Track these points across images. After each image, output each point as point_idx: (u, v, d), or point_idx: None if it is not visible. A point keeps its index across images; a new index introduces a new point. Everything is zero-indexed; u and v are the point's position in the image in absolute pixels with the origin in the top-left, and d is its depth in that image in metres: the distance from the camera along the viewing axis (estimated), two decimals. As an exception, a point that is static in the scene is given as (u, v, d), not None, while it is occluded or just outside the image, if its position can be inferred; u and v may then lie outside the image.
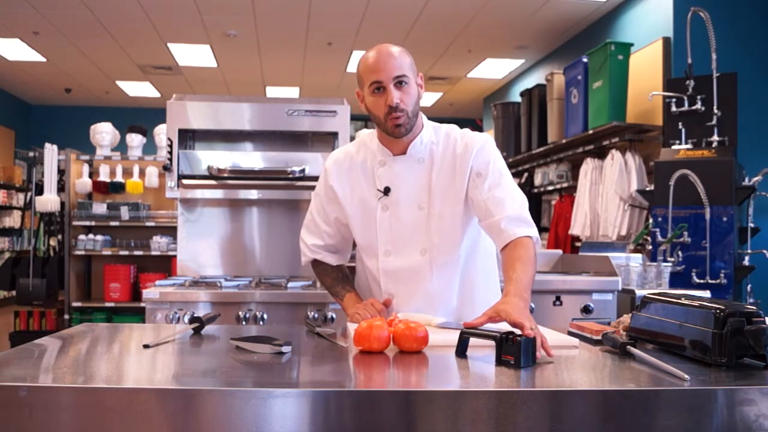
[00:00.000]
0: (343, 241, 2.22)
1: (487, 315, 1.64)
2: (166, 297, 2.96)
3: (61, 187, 5.90)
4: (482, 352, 1.55)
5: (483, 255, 2.15)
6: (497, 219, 1.94)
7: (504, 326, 1.63)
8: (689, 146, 4.59)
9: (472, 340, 1.54)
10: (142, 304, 3.04)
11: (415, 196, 2.05)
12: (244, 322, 2.98)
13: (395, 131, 1.98)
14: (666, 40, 5.76)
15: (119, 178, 5.96)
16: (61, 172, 5.93)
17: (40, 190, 5.91)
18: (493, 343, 1.47)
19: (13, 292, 6.12)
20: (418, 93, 2.00)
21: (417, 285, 2.05)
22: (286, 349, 1.54)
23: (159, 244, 5.85)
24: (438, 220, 2.03)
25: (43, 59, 9.36)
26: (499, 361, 1.43)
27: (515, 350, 1.41)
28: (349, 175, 2.12)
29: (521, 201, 2.01)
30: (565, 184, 7.05)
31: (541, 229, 7.74)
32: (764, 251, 4.38)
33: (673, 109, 4.81)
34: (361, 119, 12.28)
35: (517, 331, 1.48)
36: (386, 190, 2.05)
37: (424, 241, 2.04)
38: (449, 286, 2.06)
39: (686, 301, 1.56)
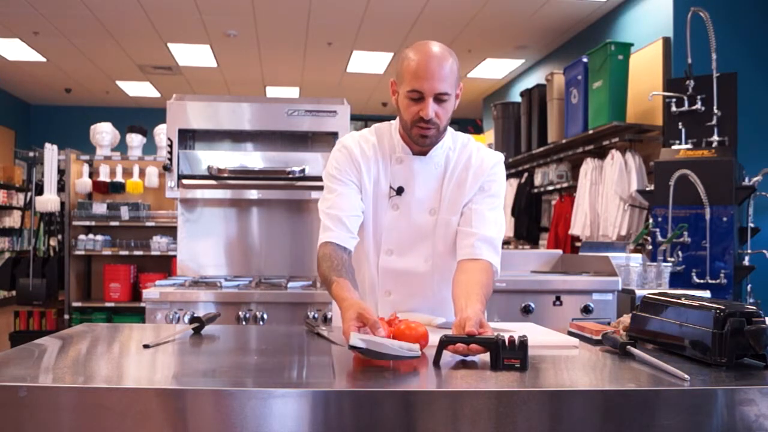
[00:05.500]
0: (357, 210, 2.00)
1: (474, 326, 1.54)
2: (166, 297, 2.97)
3: (61, 187, 5.90)
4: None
5: None
6: (474, 232, 1.94)
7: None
8: (689, 146, 4.59)
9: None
10: (142, 304, 3.05)
11: (427, 200, 2.01)
12: (244, 322, 2.98)
13: (420, 141, 1.94)
14: (666, 40, 5.76)
15: (119, 178, 5.96)
16: (61, 172, 5.93)
17: (40, 190, 5.91)
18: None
19: (13, 292, 6.13)
20: (453, 106, 1.94)
21: (417, 288, 2.03)
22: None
23: (159, 244, 5.86)
24: (445, 227, 2.01)
25: (43, 59, 9.37)
26: (501, 366, 1.40)
27: (522, 353, 1.40)
28: (367, 160, 2.02)
29: (501, 229, 2.01)
30: (565, 184, 7.05)
31: (541, 229, 7.75)
32: (764, 251, 4.38)
33: (673, 109, 4.82)
34: (361, 119, 12.30)
35: (506, 334, 1.45)
36: (399, 190, 2.00)
37: (429, 247, 2.02)
38: (449, 297, 2.04)
39: (686, 301, 1.56)
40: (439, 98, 1.87)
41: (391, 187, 2.01)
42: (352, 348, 1.38)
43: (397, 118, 2.03)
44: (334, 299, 1.76)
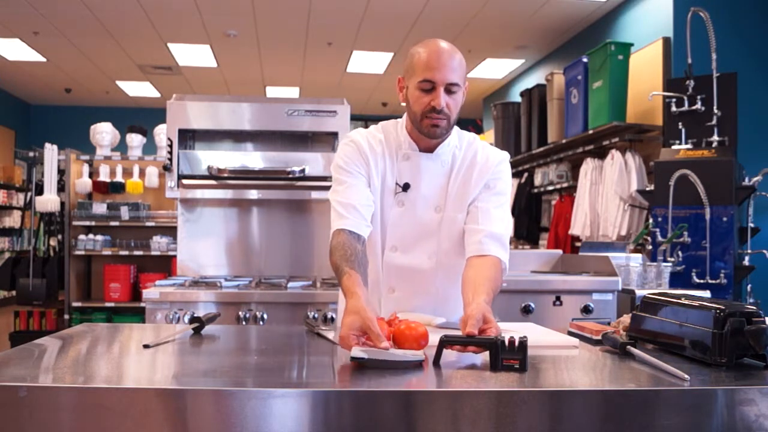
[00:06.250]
0: (369, 200, 1.99)
1: (474, 326, 1.54)
2: (166, 297, 2.97)
3: (61, 187, 5.90)
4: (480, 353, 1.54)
5: None
6: (481, 229, 1.95)
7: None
8: (689, 146, 4.59)
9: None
10: (142, 304, 3.05)
11: (433, 197, 2.02)
12: (244, 322, 2.98)
13: (431, 131, 1.94)
14: (666, 40, 5.76)
15: (119, 178, 5.96)
16: (61, 172, 5.93)
17: (40, 190, 5.92)
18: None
19: (13, 292, 6.13)
20: (462, 102, 1.96)
21: (421, 285, 2.04)
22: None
23: (159, 244, 5.86)
24: (450, 225, 2.01)
25: (43, 59, 9.37)
26: (500, 367, 1.40)
27: (521, 354, 1.40)
28: (375, 155, 2.03)
29: (508, 225, 2.03)
30: (565, 184, 7.05)
31: (541, 229, 7.75)
32: (764, 251, 4.38)
33: (673, 109, 4.82)
34: (361, 119, 12.29)
35: (506, 335, 1.46)
36: (405, 187, 2.01)
37: (434, 244, 2.02)
38: (454, 291, 2.04)
39: (686, 301, 1.56)
40: (449, 89, 1.90)
41: (397, 184, 2.02)
42: (354, 359, 1.38)
43: (404, 116, 2.04)
44: (343, 290, 1.73)
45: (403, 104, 2.00)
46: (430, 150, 2.01)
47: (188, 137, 3.54)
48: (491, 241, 1.94)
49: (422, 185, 2.01)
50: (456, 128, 2.06)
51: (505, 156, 2.08)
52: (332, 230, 1.93)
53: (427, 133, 1.95)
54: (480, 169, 2.02)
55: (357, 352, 1.40)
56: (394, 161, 2.03)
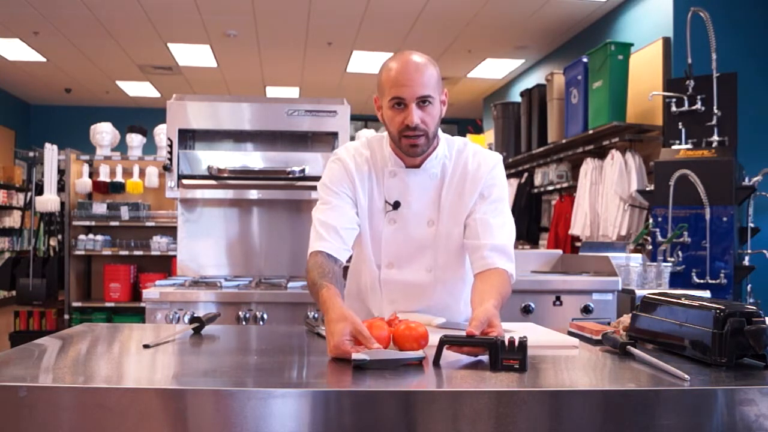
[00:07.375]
0: (353, 223, 1.97)
1: (477, 327, 1.53)
2: (166, 297, 2.97)
3: (61, 187, 5.90)
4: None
5: None
6: (483, 243, 1.91)
7: None
8: (689, 146, 4.60)
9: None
10: (142, 304, 3.05)
11: (425, 212, 1.98)
12: (244, 322, 2.98)
13: (410, 151, 1.90)
14: (666, 40, 5.76)
15: (119, 178, 5.96)
16: (61, 172, 5.93)
17: (40, 190, 5.92)
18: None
19: (13, 292, 6.13)
20: (440, 112, 1.90)
21: (420, 299, 2.02)
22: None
23: (159, 244, 5.86)
24: (446, 238, 1.98)
25: (43, 59, 9.37)
26: (499, 367, 1.40)
27: (521, 354, 1.40)
28: (362, 174, 2.00)
29: (510, 232, 1.98)
30: (565, 184, 7.05)
31: (541, 229, 7.75)
32: (764, 251, 4.38)
33: (673, 109, 4.82)
34: (361, 119, 12.29)
35: (508, 335, 1.46)
36: (396, 205, 1.97)
37: (430, 259, 2.00)
38: (454, 303, 2.03)
39: (686, 301, 1.56)
40: (421, 103, 1.84)
41: (386, 202, 1.99)
42: (356, 361, 1.38)
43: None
44: (323, 303, 1.67)
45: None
46: (417, 165, 1.97)
47: (188, 137, 3.55)
48: (495, 254, 1.90)
49: (412, 202, 1.97)
50: (446, 136, 2.02)
51: (497, 160, 2.02)
52: (310, 251, 1.90)
53: (407, 153, 1.92)
54: (472, 179, 1.97)
55: (357, 355, 1.40)
56: (381, 179, 1.99)
